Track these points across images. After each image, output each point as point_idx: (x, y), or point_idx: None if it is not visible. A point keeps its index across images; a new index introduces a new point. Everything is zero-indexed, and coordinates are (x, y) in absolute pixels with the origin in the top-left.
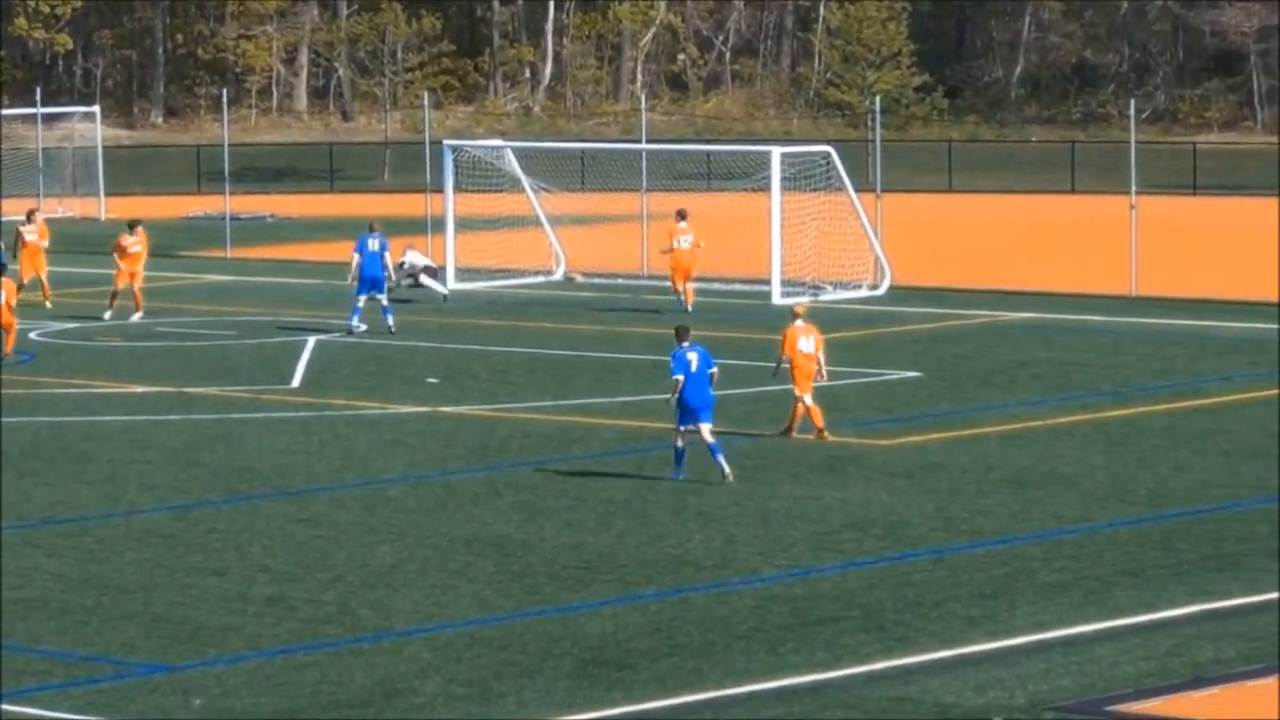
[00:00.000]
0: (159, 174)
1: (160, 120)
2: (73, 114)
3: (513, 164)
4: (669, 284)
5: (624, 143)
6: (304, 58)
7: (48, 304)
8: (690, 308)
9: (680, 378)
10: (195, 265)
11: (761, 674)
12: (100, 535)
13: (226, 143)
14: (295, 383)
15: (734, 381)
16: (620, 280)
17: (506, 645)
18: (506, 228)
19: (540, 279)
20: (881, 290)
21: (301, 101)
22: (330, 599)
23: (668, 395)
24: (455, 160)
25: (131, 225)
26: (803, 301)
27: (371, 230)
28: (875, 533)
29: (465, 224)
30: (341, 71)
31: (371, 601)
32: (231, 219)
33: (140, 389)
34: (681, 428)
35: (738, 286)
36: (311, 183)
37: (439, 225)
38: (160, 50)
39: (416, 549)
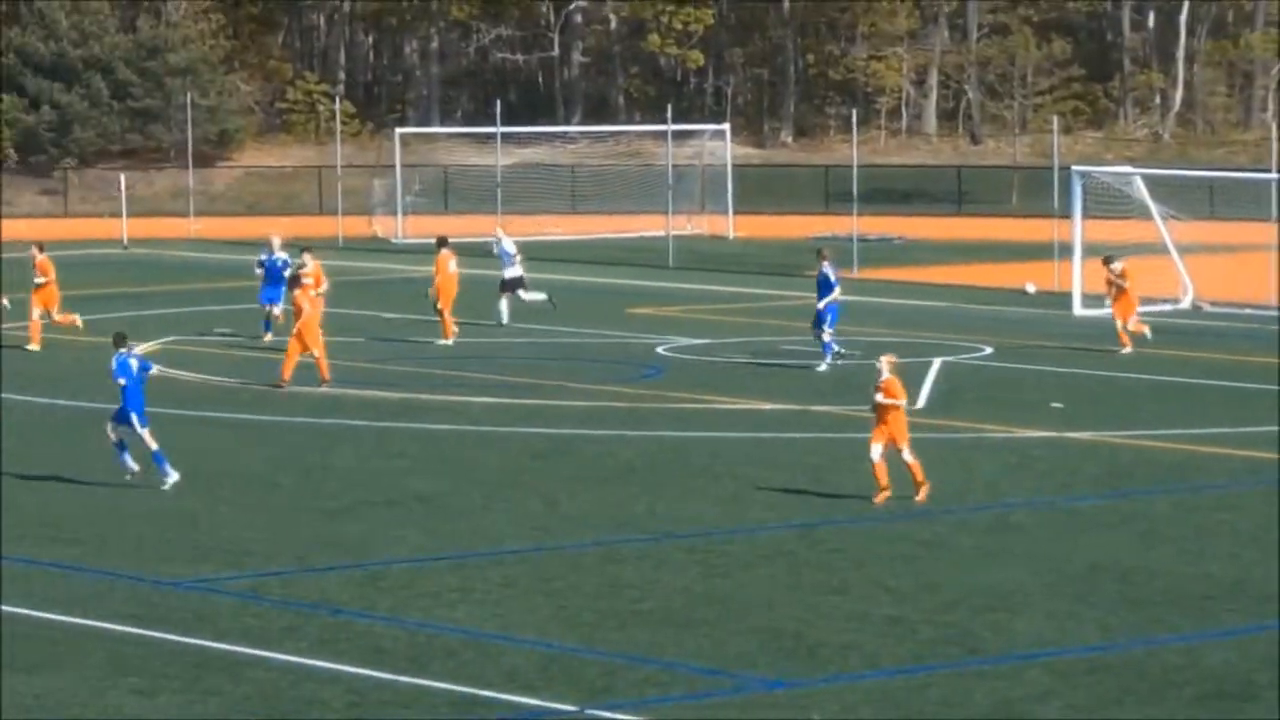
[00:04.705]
0: (787, 193)
1: (789, 140)
2: (703, 131)
3: (1142, 191)
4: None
5: (1254, 172)
6: (933, 79)
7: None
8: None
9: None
10: None
11: None
12: (723, 550)
13: (855, 164)
14: (920, 404)
15: None
16: (1249, 310)
17: (1126, 673)
18: (1133, 254)
19: (1167, 307)
20: None
21: (930, 123)
22: (951, 620)
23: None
24: (1084, 186)
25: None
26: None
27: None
28: None
29: (1092, 250)
30: (971, 94)
31: (992, 624)
32: (859, 240)
33: (767, 406)
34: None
35: None
36: (939, 205)
37: (1065, 251)
38: (791, 69)
39: (1039, 574)
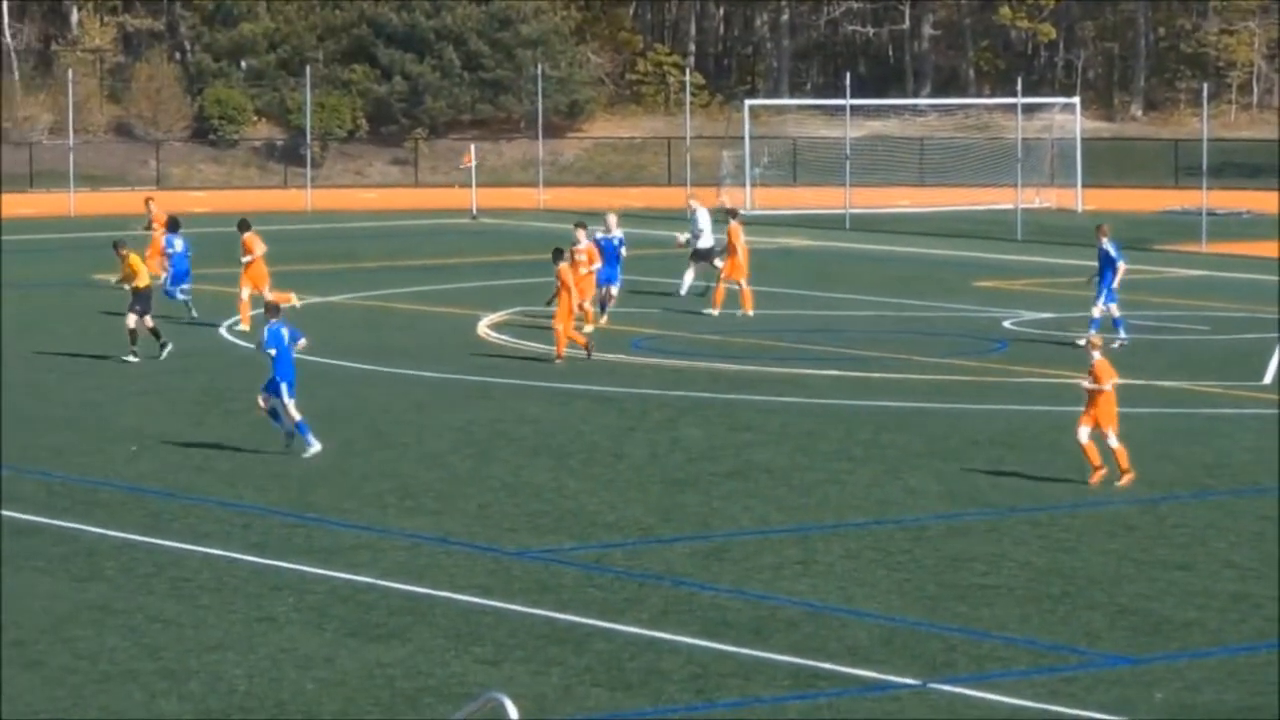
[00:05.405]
0: (1136, 167)
1: (1139, 113)
2: (1053, 105)
3: None
4: None
5: None
6: None
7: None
8: None
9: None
10: (1169, 259)
11: None
12: (1068, 525)
13: (1205, 138)
14: (1267, 379)
15: None
16: None
17: None
18: None
19: None
20: None
21: None
22: None
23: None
24: None
25: None
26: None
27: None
28: None
29: None
30: None
31: None
32: (1208, 214)
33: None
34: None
35: None
36: None
37: None
38: (1142, 43)
39: None
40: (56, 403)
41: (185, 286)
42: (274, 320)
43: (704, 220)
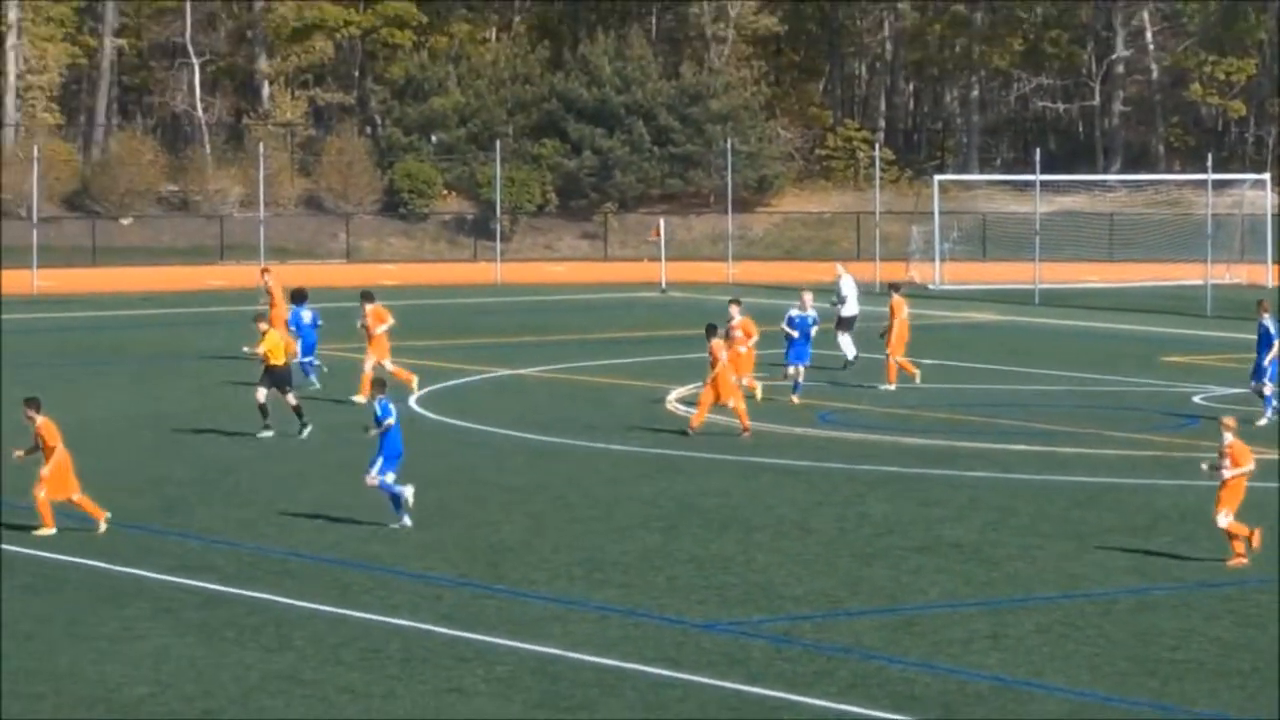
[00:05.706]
0: None
1: None
2: (1243, 181)
3: None
4: None
5: None
6: None
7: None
8: None
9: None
10: None
11: None
12: (1257, 601)
13: None
14: None
15: None
16: None
17: None
18: None
19: None
20: None
21: None
22: None
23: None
24: None
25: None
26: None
27: None
28: None
29: None
30: None
31: None
32: None
33: (1273, 455)
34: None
35: None
36: None
37: None
38: None
39: None
40: (244, 474)
41: (311, 359)
42: (381, 396)
43: (848, 287)
